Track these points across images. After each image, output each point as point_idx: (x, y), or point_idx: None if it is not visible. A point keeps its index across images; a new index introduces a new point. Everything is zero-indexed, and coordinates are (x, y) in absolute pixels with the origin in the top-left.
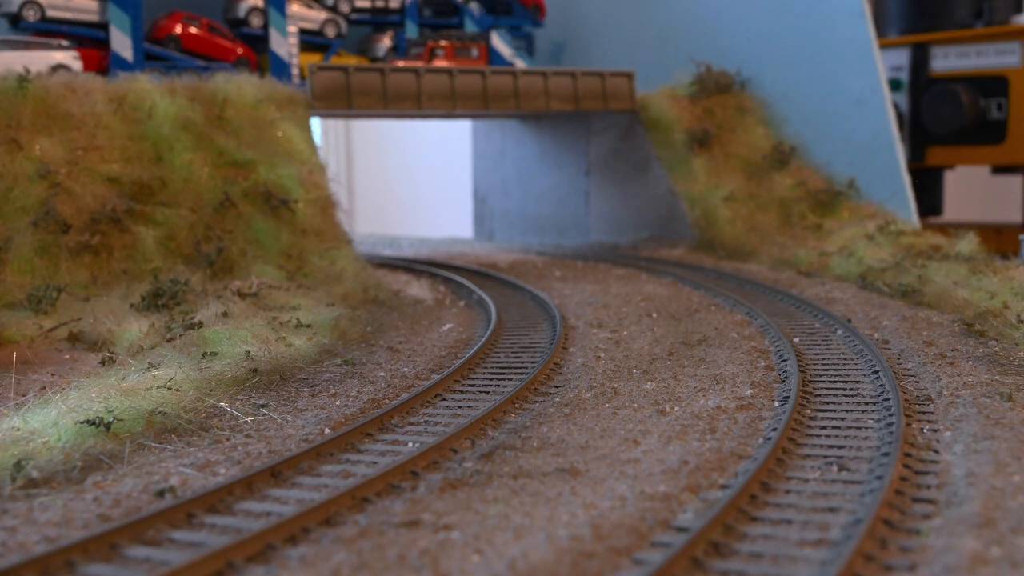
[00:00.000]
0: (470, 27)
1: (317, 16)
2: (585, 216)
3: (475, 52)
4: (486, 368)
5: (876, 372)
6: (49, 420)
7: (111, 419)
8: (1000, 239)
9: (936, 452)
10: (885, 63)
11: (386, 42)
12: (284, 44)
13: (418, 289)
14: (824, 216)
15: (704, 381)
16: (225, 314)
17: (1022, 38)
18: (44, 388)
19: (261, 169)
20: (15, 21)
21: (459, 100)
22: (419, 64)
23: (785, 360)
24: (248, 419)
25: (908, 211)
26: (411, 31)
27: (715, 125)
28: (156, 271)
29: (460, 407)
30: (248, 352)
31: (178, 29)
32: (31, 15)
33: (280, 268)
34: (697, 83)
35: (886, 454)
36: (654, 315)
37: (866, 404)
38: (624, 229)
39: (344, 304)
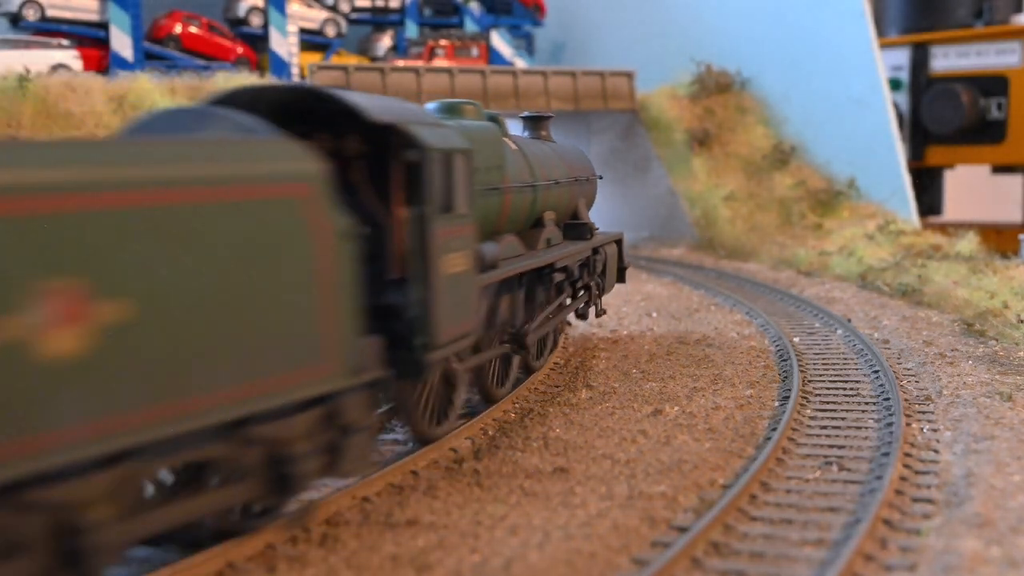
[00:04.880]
0: (470, 26)
1: (317, 15)
2: None
3: (475, 51)
4: None
5: (876, 372)
6: None
7: None
8: (1000, 239)
9: (936, 452)
10: (885, 63)
11: (386, 41)
12: (284, 43)
13: None
14: (824, 216)
15: (704, 381)
16: None
17: (1022, 38)
18: None
19: None
20: (15, 20)
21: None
22: (419, 63)
23: (785, 360)
24: None
25: (908, 211)
26: (411, 30)
27: (715, 125)
28: None
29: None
30: None
31: (178, 28)
32: (31, 14)
33: None
34: (697, 83)
35: (886, 454)
36: (654, 315)
37: (866, 404)
38: (624, 229)
39: None
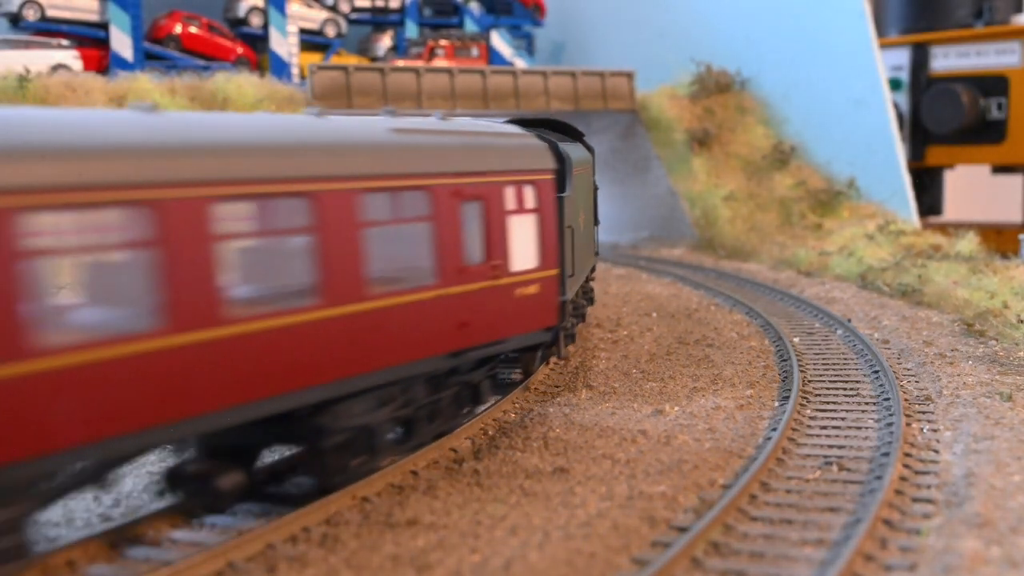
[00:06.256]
0: (470, 27)
1: (317, 15)
2: None
3: (475, 51)
4: None
5: (876, 372)
6: None
7: None
8: (1000, 239)
9: (936, 452)
10: (885, 63)
11: (386, 41)
12: (284, 43)
13: None
14: (824, 216)
15: (703, 381)
16: None
17: (1022, 38)
18: None
19: None
20: (15, 20)
21: (459, 99)
22: (419, 63)
23: (785, 360)
24: None
25: (908, 211)
26: (411, 30)
27: (715, 125)
28: None
29: None
30: None
31: (178, 28)
32: (31, 14)
33: None
34: (697, 83)
35: (886, 454)
36: (654, 315)
37: (866, 404)
38: (624, 229)
39: None
